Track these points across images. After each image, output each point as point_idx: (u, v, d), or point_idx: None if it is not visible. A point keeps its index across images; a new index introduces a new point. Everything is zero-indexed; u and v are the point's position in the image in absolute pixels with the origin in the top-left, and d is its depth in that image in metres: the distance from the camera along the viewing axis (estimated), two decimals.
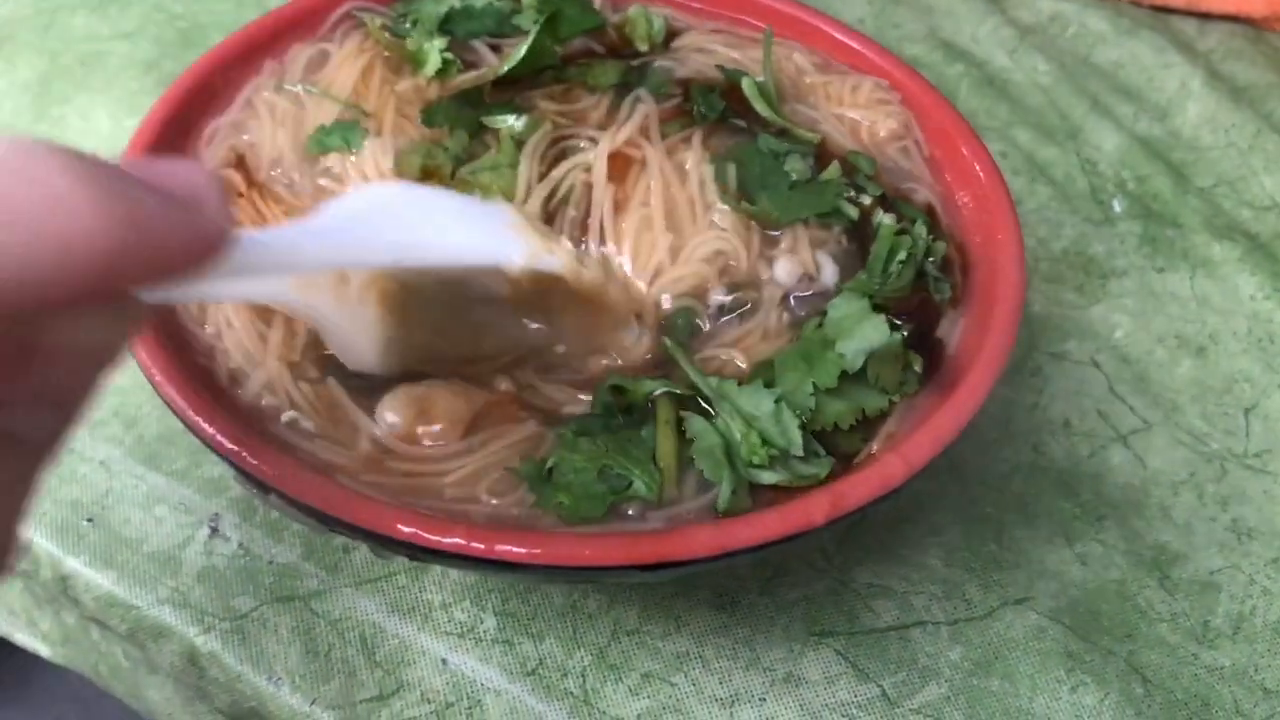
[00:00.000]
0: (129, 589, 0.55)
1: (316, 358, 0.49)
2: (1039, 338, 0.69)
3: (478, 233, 0.47)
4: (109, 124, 0.76)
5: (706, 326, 0.53)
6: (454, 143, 0.56)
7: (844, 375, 0.49)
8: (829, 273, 0.55)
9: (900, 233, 0.54)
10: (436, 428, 0.47)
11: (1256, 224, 0.78)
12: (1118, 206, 0.77)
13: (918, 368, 0.51)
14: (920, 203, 0.58)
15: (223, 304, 0.49)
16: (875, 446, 0.48)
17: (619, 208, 0.54)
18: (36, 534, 0.56)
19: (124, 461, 0.59)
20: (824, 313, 0.51)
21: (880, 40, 0.86)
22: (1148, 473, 0.64)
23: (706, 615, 0.55)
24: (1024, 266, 0.52)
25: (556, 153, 0.57)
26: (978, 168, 0.57)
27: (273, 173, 0.57)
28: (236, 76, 0.60)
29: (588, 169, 0.55)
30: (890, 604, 0.57)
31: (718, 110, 0.59)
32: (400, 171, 0.55)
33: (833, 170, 0.57)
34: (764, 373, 0.50)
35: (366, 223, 0.41)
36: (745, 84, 0.60)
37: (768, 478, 0.46)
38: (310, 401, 0.47)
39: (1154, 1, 0.93)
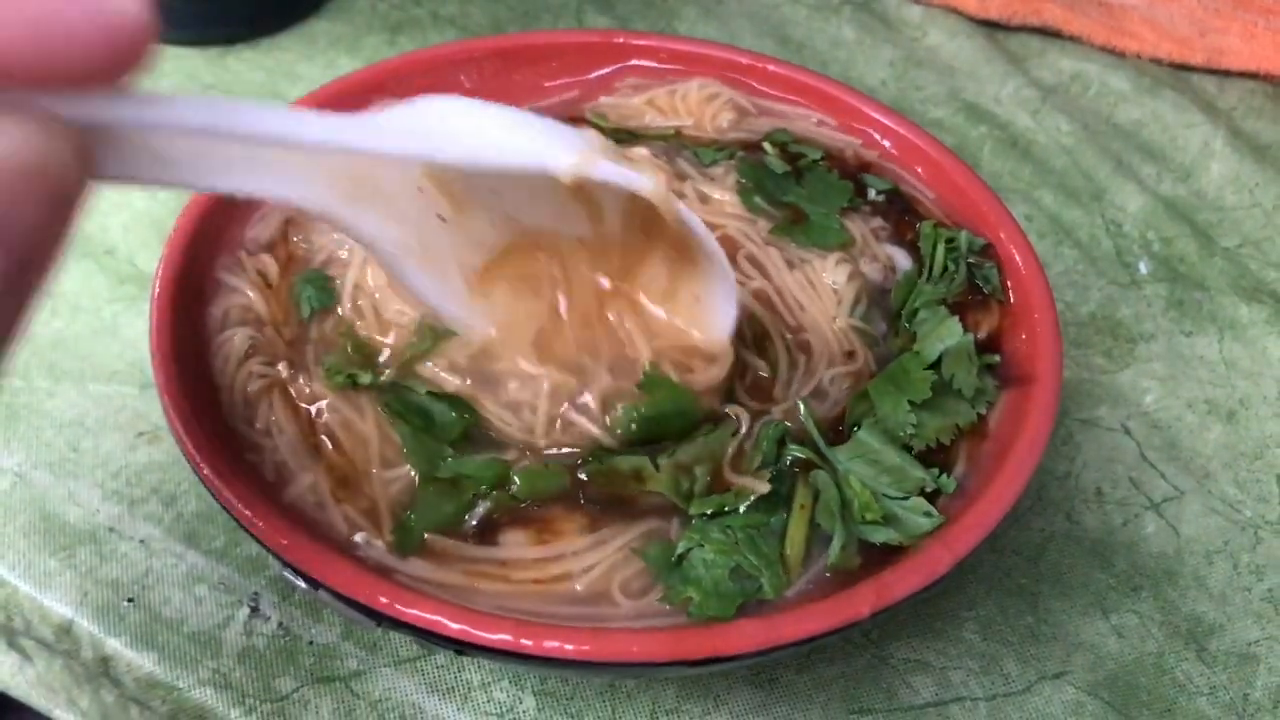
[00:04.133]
0: (170, 670, 0.55)
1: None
2: (1069, 404, 0.69)
3: (537, 136, 0.41)
4: (142, 196, 0.76)
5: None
6: None
7: (934, 387, 0.52)
8: (901, 257, 0.60)
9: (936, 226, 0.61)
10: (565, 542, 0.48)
11: None
12: (1144, 268, 0.78)
13: (995, 360, 0.55)
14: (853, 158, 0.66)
15: (274, 408, 0.50)
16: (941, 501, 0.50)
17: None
18: (78, 615, 0.57)
19: (164, 540, 0.59)
20: (909, 345, 0.56)
21: (903, 103, 0.88)
22: (1181, 541, 0.64)
23: (745, 693, 0.55)
24: (1060, 352, 0.53)
25: None
26: (1017, 257, 0.58)
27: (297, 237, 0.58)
28: None
29: None
30: (928, 680, 0.57)
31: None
32: None
33: (771, 149, 0.65)
34: (860, 405, 0.53)
35: (406, 119, 0.38)
36: (590, 115, 0.67)
37: (879, 536, 0.48)
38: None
39: (1174, 59, 0.94)
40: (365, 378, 0.52)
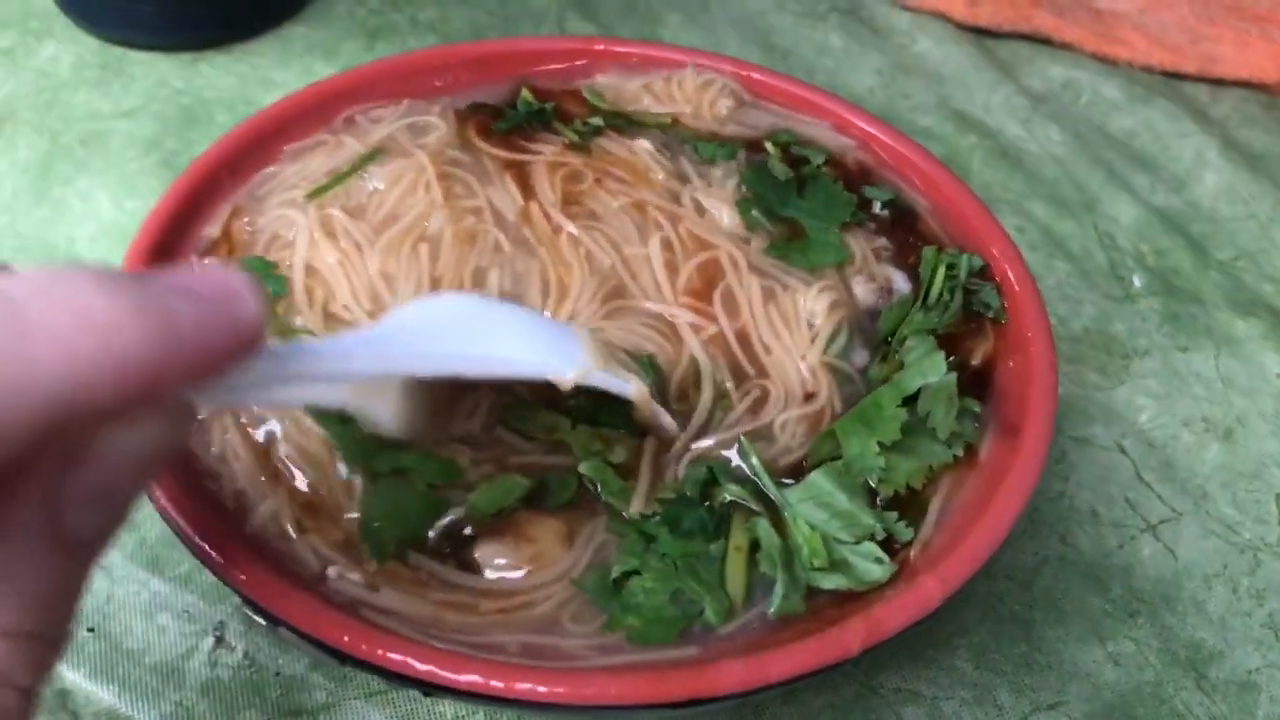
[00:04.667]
0: (131, 704, 0.53)
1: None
2: (1063, 422, 0.67)
3: (539, 348, 0.46)
4: (110, 206, 0.74)
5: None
6: None
7: (905, 429, 0.50)
8: (900, 280, 0.58)
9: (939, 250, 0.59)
10: (541, 547, 0.46)
11: (1279, 299, 0.76)
12: (1137, 282, 0.76)
13: (976, 409, 0.52)
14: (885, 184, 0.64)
15: (228, 431, 0.48)
16: (927, 530, 0.48)
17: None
18: None
19: (126, 566, 0.57)
20: (882, 380, 0.53)
21: (891, 111, 0.86)
22: (1179, 565, 0.62)
23: None
24: (1055, 375, 0.51)
25: None
26: (1011, 275, 0.57)
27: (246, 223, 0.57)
28: (247, 165, 0.59)
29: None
30: (919, 711, 0.55)
31: (599, 124, 0.64)
32: None
33: (774, 150, 0.63)
34: (826, 443, 0.51)
35: (424, 332, 0.42)
36: (587, 92, 0.66)
37: (828, 582, 0.46)
38: (375, 574, 0.46)
39: (1166, 68, 0.93)
40: None
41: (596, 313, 0.54)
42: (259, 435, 0.49)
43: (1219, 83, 0.93)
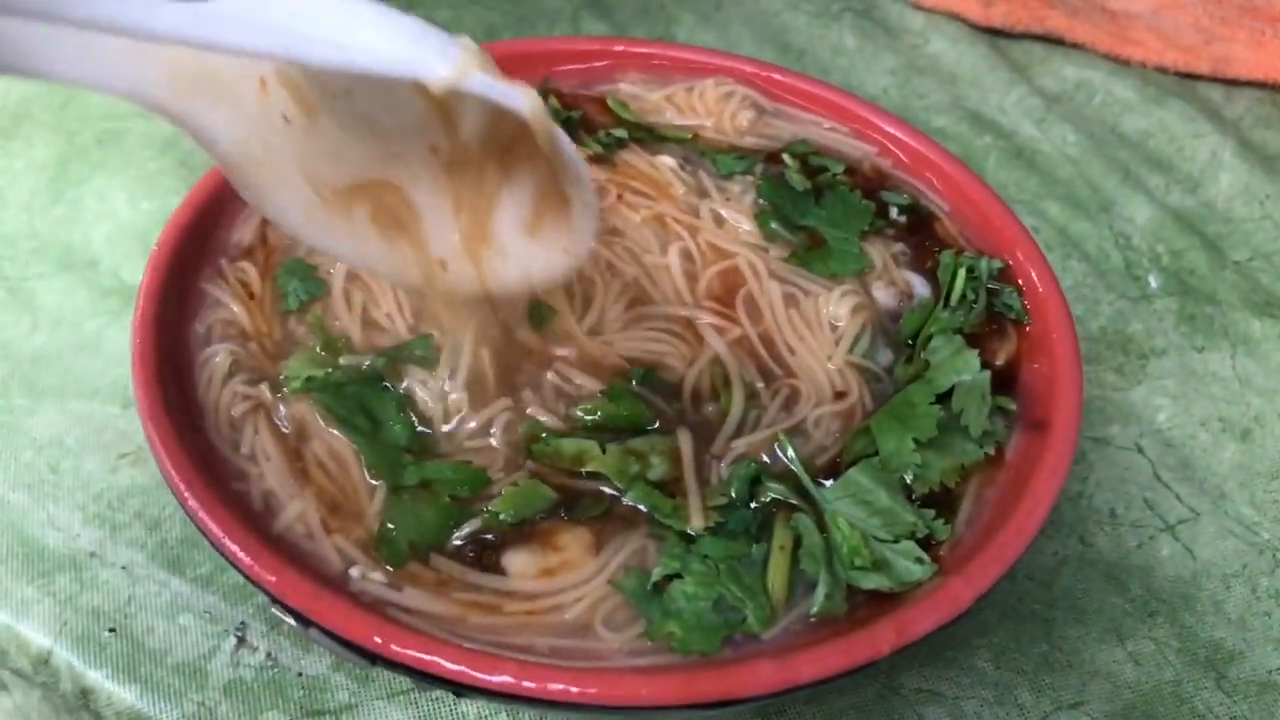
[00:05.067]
0: (153, 704, 0.53)
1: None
2: (1082, 422, 0.67)
3: (404, 38, 0.37)
4: (126, 206, 0.74)
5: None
6: None
7: (940, 425, 0.50)
8: (919, 284, 0.59)
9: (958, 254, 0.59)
10: (567, 556, 0.46)
11: None
12: (1154, 282, 0.76)
13: (1013, 406, 0.53)
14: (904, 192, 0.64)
15: (260, 433, 0.48)
16: (959, 529, 0.48)
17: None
18: (57, 644, 0.54)
19: (147, 567, 0.57)
20: (909, 380, 0.53)
21: (906, 111, 0.86)
22: (1198, 565, 0.62)
23: None
24: (1080, 377, 0.51)
25: None
26: (1034, 275, 0.57)
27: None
28: None
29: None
30: (940, 711, 0.55)
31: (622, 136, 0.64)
32: None
33: (791, 162, 0.63)
34: (860, 440, 0.51)
35: (252, 5, 0.34)
36: (611, 102, 0.66)
37: (869, 582, 0.46)
38: (403, 577, 0.45)
39: (1179, 68, 0.93)
40: (319, 375, 0.51)
41: (620, 318, 0.54)
42: (290, 432, 0.49)
43: (1233, 83, 0.93)
